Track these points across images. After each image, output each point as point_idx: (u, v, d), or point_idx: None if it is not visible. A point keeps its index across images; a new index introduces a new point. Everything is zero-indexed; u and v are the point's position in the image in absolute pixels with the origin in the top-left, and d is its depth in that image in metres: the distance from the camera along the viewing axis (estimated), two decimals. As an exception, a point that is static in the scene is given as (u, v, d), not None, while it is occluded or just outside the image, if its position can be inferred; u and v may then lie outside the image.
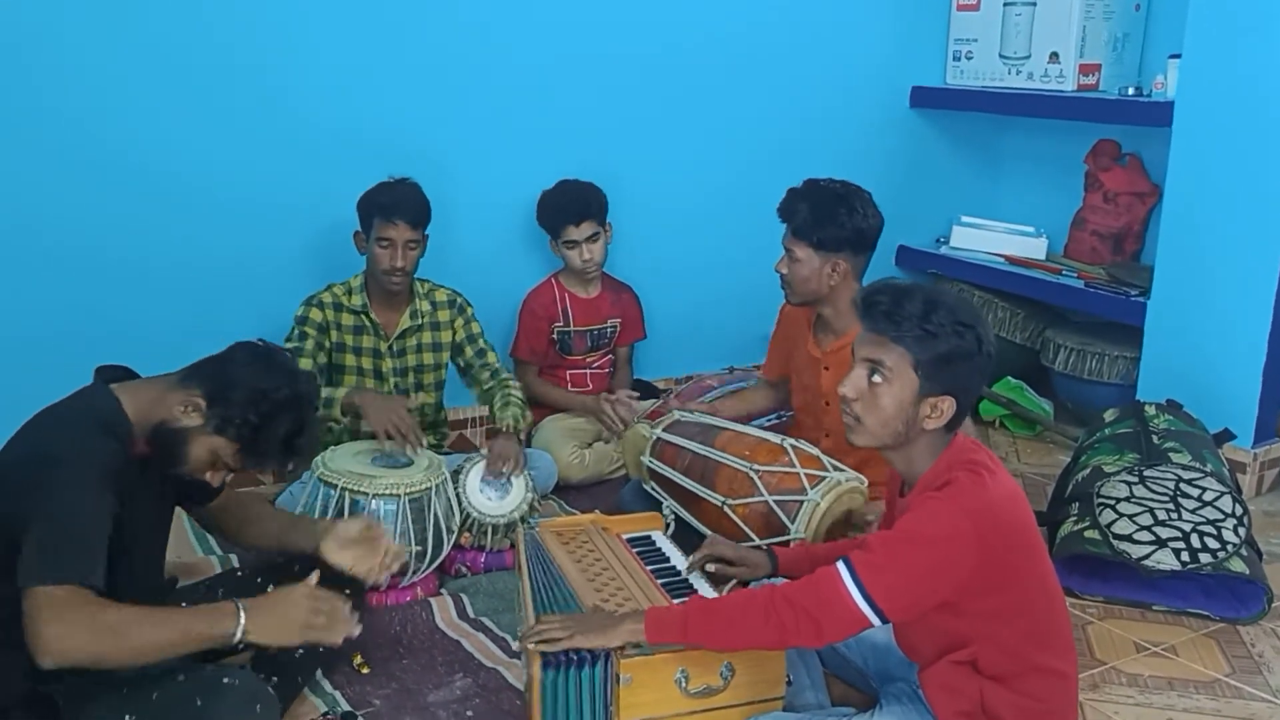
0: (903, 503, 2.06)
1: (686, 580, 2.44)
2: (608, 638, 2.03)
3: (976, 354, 1.96)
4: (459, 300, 3.45)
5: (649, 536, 2.68)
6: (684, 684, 2.06)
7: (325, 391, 3.06)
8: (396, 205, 3.20)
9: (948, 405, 1.97)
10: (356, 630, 2.13)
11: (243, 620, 1.96)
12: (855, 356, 2.02)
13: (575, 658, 2.03)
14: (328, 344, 3.29)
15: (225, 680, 1.97)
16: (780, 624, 1.91)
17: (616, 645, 2.03)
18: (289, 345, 3.20)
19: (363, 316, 3.30)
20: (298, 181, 3.51)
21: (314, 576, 2.13)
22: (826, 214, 2.92)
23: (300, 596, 2.06)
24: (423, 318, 3.38)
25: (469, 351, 3.43)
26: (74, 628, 1.84)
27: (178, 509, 2.41)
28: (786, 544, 2.70)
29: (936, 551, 1.89)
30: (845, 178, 3.04)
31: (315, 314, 3.26)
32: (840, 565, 1.91)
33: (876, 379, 1.97)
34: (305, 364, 3.17)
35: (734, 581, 2.47)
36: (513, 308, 3.81)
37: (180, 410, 2.07)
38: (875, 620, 1.90)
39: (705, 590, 2.39)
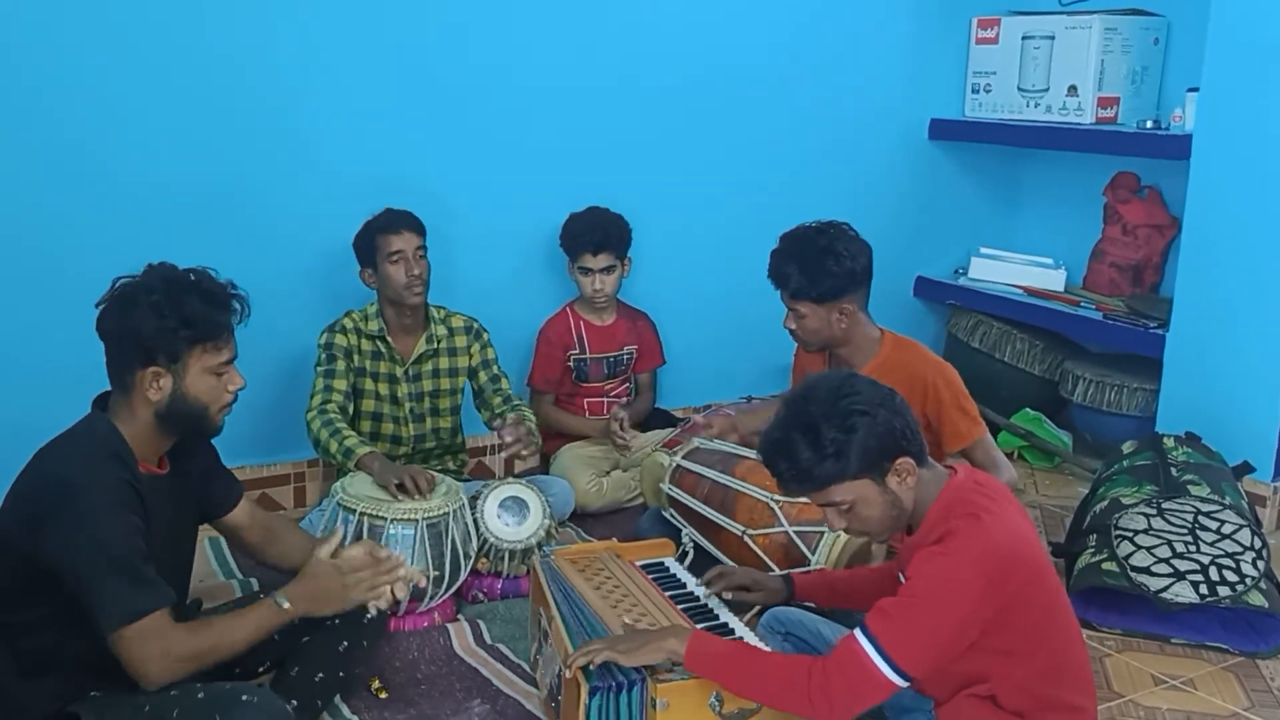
0: (909, 541, 2.08)
1: (706, 605, 2.45)
2: (651, 653, 2.05)
3: (877, 419, 1.96)
4: (475, 326, 3.48)
5: (663, 563, 2.69)
6: (718, 708, 2.08)
7: (350, 442, 3.05)
8: (395, 219, 3.30)
9: (905, 464, 2.00)
10: (411, 578, 2.30)
11: (286, 607, 2.15)
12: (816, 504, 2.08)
13: (623, 681, 2.06)
14: (351, 369, 3.32)
15: (244, 698, 2.00)
16: (813, 709, 1.94)
17: (659, 661, 2.06)
18: (319, 369, 3.25)
19: (379, 342, 3.34)
20: (310, 207, 3.50)
21: (326, 548, 2.23)
22: (818, 270, 2.91)
23: (325, 570, 2.21)
24: (439, 342, 3.41)
25: (483, 376, 3.46)
26: (168, 662, 2.00)
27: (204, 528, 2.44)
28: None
29: (951, 609, 1.92)
30: (864, 209, 3.04)
31: (340, 339, 3.30)
32: (862, 639, 1.93)
33: (844, 507, 2.02)
34: (340, 384, 3.24)
35: (755, 610, 2.48)
36: (529, 337, 3.84)
37: (153, 394, 2.10)
38: (904, 684, 1.93)
39: (725, 616, 2.40)
